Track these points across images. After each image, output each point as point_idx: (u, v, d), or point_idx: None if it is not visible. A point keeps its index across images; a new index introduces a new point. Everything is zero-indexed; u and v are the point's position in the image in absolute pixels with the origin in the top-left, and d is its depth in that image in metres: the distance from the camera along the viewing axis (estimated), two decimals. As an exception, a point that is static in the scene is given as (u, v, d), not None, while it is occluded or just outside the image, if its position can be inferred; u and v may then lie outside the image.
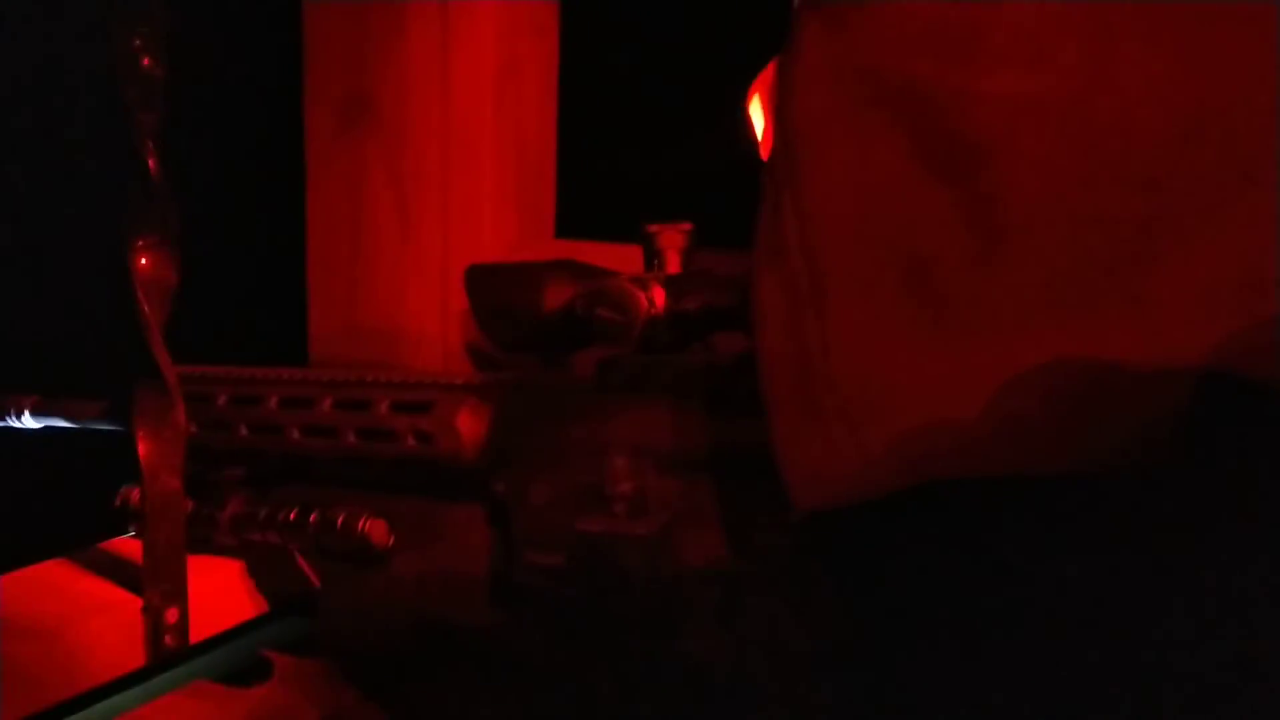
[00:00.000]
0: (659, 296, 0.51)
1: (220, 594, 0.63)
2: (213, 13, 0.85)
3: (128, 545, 0.66)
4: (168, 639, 0.54)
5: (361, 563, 0.57)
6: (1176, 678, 0.32)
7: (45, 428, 0.60)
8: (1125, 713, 0.33)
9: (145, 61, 0.49)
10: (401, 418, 0.55)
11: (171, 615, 0.55)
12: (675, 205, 0.56)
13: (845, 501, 0.35)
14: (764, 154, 0.42)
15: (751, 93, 0.47)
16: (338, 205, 0.91)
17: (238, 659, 0.62)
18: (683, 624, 0.46)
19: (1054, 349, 0.31)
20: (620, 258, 0.59)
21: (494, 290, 0.56)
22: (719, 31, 0.88)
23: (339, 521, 0.57)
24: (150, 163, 0.50)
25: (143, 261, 0.51)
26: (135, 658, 0.55)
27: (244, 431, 0.61)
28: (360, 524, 0.56)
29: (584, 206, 0.95)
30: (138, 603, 0.55)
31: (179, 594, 0.55)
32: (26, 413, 0.59)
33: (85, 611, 0.57)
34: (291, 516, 0.59)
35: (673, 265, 0.54)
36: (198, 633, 0.57)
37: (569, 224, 0.95)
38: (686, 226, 0.54)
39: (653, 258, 0.54)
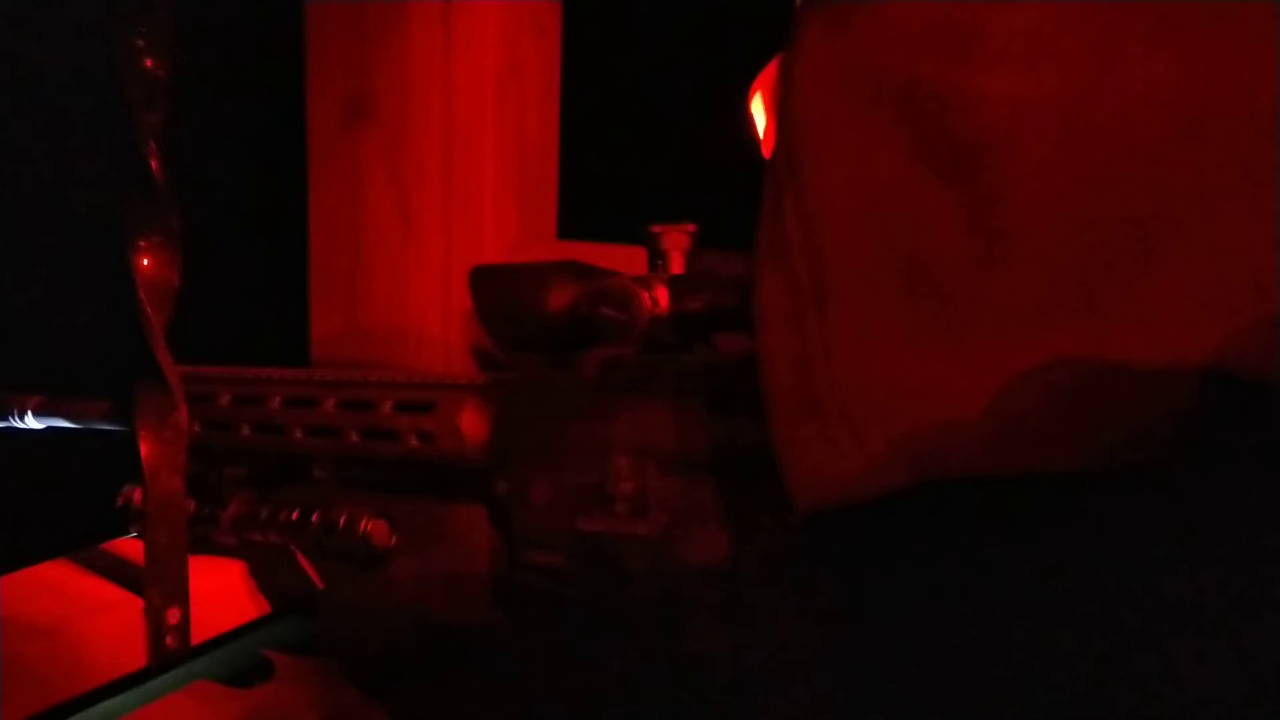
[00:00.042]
0: (662, 296, 0.51)
1: (222, 594, 0.63)
2: (215, 13, 0.85)
3: (129, 545, 0.66)
4: (169, 639, 0.54)
5: (363, 563, 0.57)
6: (1177, 678, 0.32)
7: (48, 428, 0.60)
8: (1125, 713, 0.33)
9: (147, 62, 0.49)
10: (404, 418, 0.55)
11: (173, 615, 0.55)
12: (676, 206, 0.56)
13: (846, 501, 0.35)
14: (766, 152, 0.42)
15: (753, 90, 0.47)
16: (339, 206, 0.91)
17: (239, 659, 0.62)
18: (683, 623, 0.46)
19: (1054, 349, 0.31)
20: (622, 258, 0.59)
21: (498, 290, 0.56)
22: (720, 32, 0.88)
23: (340, 522, 0.57)
24: (152, 163, 0.50)
25: (144, 262, 0.51)
26: (137, 658, 0.55)
27: (247, 431, 0.61)
28: (362, 524, 0.56)
29: (586, 207, 0.95)
30: (139, 603, 0.55)
31: (180, 594, 0.55)
32: (29, 413, 0.59)
33: (87, 612, 0.57)
34: (293, 517, 0.59)
35: (676, 266, 0.54)
36: (199, 633, 0.57)
37: (570, 224, 0.95)
38: (690, 227, 0.54)
39: (656, 258, 0.54)
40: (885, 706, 0.39)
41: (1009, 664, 0.35)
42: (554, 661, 0.50)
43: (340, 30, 0.89)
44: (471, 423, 0.53)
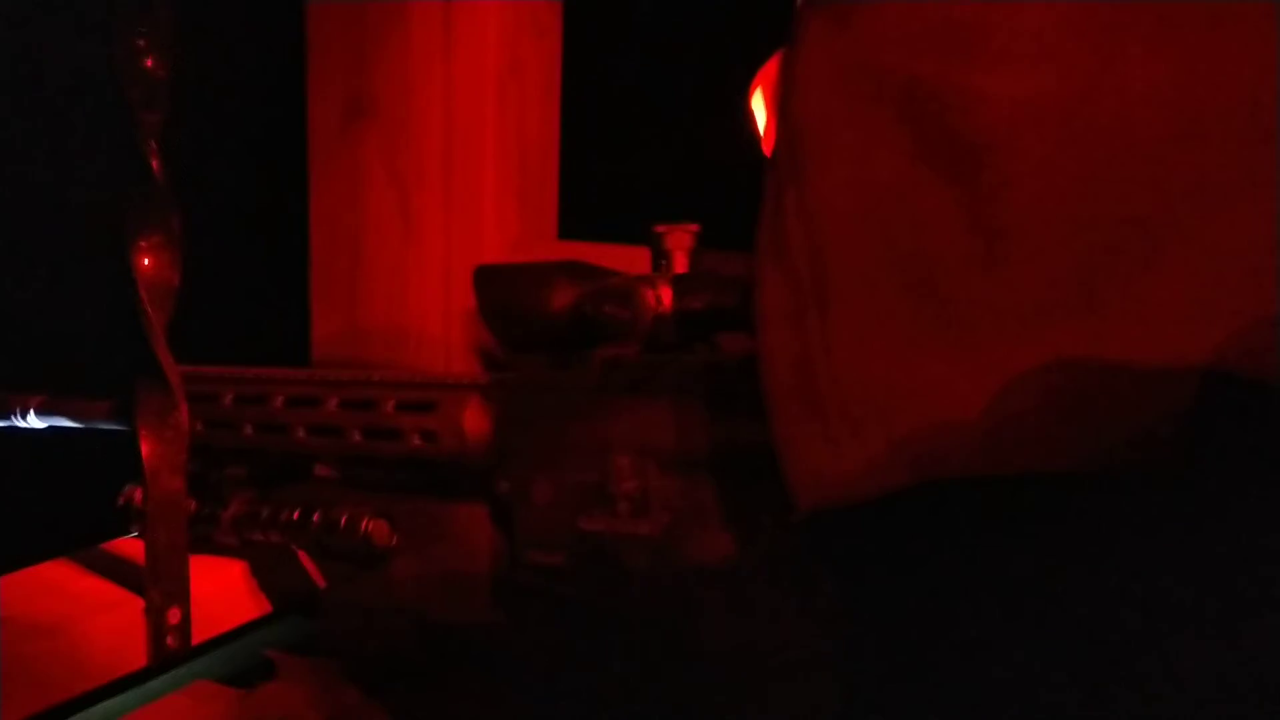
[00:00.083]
0: (666, 295, 0.51)
1: (223, 594, 0.63)
2: (215, 13, 0.85)
3: (130, 545, 0.66)
4: (170, 639, 0.54)
5: (364, 563, 0.57)
6: (1177, 678, 0.32)
7: (50, 427, 0.60)
8: (1125, 713, 0.33)
9: (148, 61, 0.49)
10: (407, 417, 0.55)
11: (173, 615, 0.55)
12: (676, 206, 0.56)
13: (847, 501, 0.35)
14: (766, 148, 0.42)
15: (754, 86, 0.47)
16: (340, 205, 0.91)
17: (240, 659, 0.62)
18: (684, 623, 0.46)
19: (1055, 349, 0.31)
20: (623, 258, 0.59)
21: (502, 290, 0.56)
22: (721, 32, 0.88)
23: (341, 522, 0.57)
24: (152, 163, 0.50)
25: (145, 262, 0.51)
26: (137, 658, 0.55)
27: (249, 431, 0.61)
28: (363, 524, 0.56)
29: (586, 207, 0.95)
30: (140, 603, 0.55)
31: (181, 594, 0.55)
32: (32, 412, 0.59)
33: (87, 611, 0.57)
34: (294, 516, 0.59)
35: (680, 265, 0.54)
36: (200, 633, 0.57)
37: (571, 224, 0.95)
38: (694, 227, 0.54)
39: (660, 258, 0.54)
40: (885, 706, 0.39)
41: (1009, 664, 0.35)
42: (554, 661, 0.50)
43: (340, 30, 0.89)
44: (474, 422, 0.53)
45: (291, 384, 0.61)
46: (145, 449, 0.53)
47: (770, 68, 0.45)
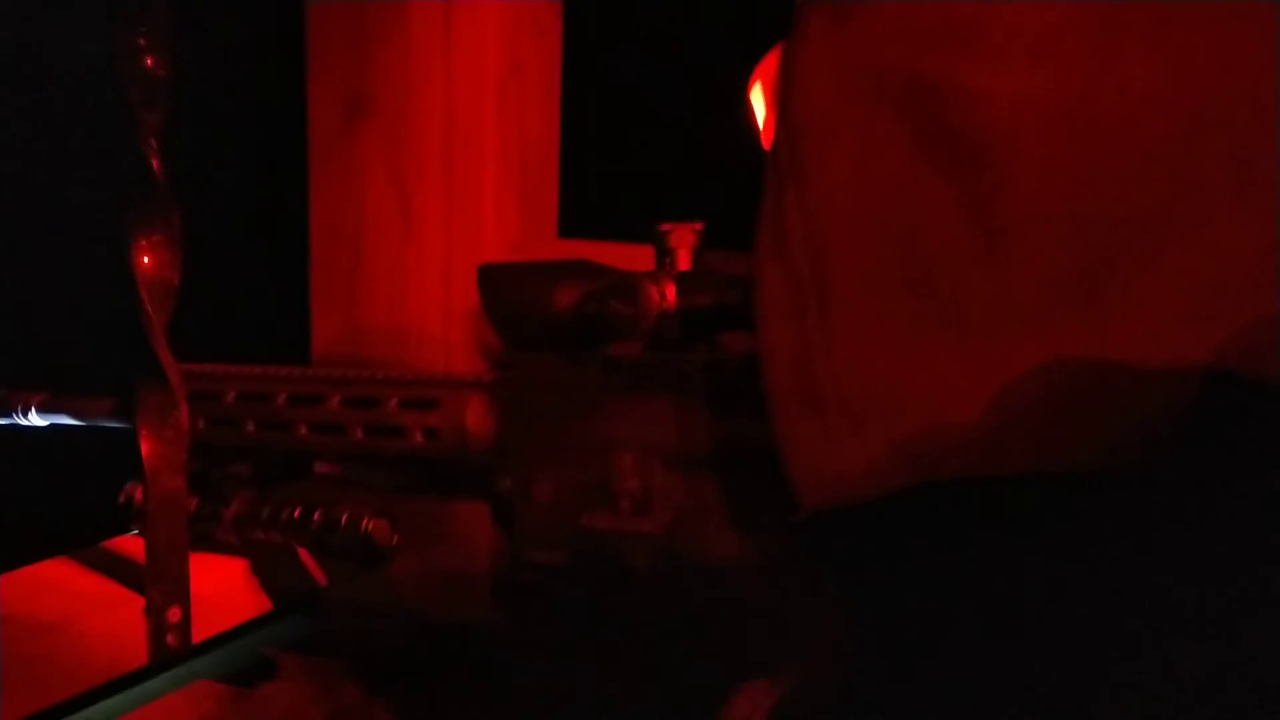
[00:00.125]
0: (670, 292, 0.51)
1: (223, 593, 0.63)
2: (215, 13, 0.85)
3: (131, 544, 0.66)
4: (170, 638, 0.54)
5: (364, 562, 0.57)
6: (1176, 676, 0.32)
7: (51, 425, 0.60)
8: (1124, 710, 0.33)
9: (148, 61, 0.49)
10: (409, 414, 0.55)
11: (173, 614, 0.54)
12: (676, 205, 0.56)
13: (848, 500, 0.36)
14: (765, 142, 0.42)
15: (753, 80, 0.47)
16: (340, 205, 0.91)
17: (241, 658, 0.62)
18: (686, 621, 0.46)
19: (1055, 348, 0.31)
20: (623, 257, 0.59)
21: (505, 288, 0.56)
22: (721, 31, 0.88)
23: (342, 521, 0.57)
24: (153, 162, 0.50)
25: (145, 261, 0.51)
26: (137, 657, 0.55)
27: (252, 428, 0.61)
28: (363, 523, 0.56)
29: (586, 206, 0.95)
30: (140, 601, 0.55)
31: (181, 593, 0.55)
32: (33, 410, 0.59)
33: (87, 610, 0.57)
34: (295, 515, 0.59)
35: (684, 263, 0.54)
36: (200, 632, 0.57)
37: (571, 223, 0.95)
38: (698, 225, 0.54)
39: (664, 256, 0.54)
40: (885, 706, 0.39)
41: (1009, 664, 0.35)
42: (554, 661, 0.50)
43: (341, 30, 0.89)
44: (476, 419, 0.53)
45: (294, 382, 0.61)
46: (146, 447, 0.53)
47: (769, 61, 0.45)
